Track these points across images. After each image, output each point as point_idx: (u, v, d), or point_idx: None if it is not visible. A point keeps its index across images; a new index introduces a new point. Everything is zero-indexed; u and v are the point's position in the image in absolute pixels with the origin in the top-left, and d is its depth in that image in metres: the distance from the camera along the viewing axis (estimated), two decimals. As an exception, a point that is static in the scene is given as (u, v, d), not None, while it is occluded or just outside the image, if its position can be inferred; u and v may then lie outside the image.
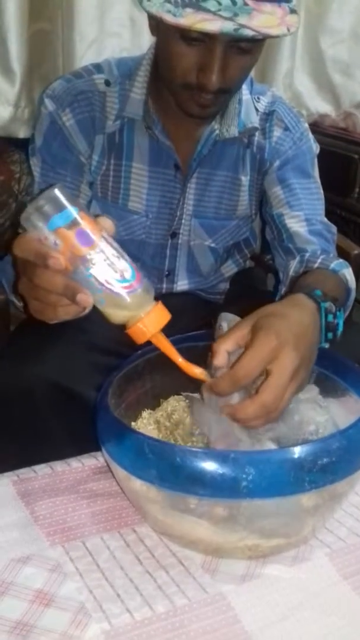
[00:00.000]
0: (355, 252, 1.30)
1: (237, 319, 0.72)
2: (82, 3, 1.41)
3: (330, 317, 0.78)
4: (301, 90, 1.91)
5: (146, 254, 1.13)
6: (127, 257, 0.60)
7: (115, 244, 0.60)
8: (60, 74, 1.41)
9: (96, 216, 0.60)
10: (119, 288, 0.59)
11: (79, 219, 0.57)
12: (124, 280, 0.59)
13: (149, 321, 0.62)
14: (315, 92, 1.94)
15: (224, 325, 0.71)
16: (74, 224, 0.56)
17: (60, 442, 0.90)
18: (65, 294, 0.57)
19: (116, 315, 0.61)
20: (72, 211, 0.56)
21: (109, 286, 0.58)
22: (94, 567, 0.64)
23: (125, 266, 0.59)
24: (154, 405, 0.83)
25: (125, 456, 0.63)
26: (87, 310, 0.60)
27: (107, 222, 0.60)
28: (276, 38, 0.87)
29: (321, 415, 0.74)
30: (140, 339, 0.63)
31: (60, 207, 0.56)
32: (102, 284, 0.58)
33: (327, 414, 0.75)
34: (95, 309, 0.61)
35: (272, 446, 0.68)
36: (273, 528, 0.63)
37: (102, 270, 0.58)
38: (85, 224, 0.57)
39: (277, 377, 0.64)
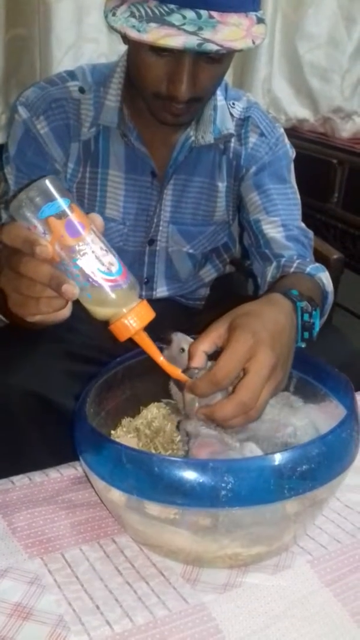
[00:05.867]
0: (335, 256, 1.31)
1: (189, 338, 0.72)
2: (59, 9, 1.41)
3: (306, 317, 0.79)
4: (280, 95, 1.93)
5: (124, 261, 1.11)
6: (114, 252, 0.60)
7: (104, 239, 0.60)
8: (38, 80, 1.40)
9: (87, 214, 0.60)
10: (105, 281, 0.59)
11: (68, 210, 0.57)
12: (110, 273, 0.59)
13: (132, 317, 0.62)
14: (293, 97, 1.96)
15: (186, 347, 0.71)
16: (64, 214, 0.57)
17: (39, 452, 0.89)
18: (50, 284, 0.57)
19: (100, 310, 0.61)
20: (62, 202, 0.57)
21: (95, 278, 0.58)
22: (73, 579, 0.63)
23: (112, 260, 0.60)
24: (134, 412, 0.82)
25: (103, 466, 0.62)
26: (67, 313, 0.59)
27: (97, 219, 0.61)
28: (240, 51, 0.87)
29: (300, 420, 0.74)
30: (123, 336, 0.62)
31: (51, 198, 0.57)
32: (88, 276, 0.58)
33: (306, 417, 0.75)
34: (75, 313, 0.60)
35: (254, 448, 0.67)
36: (253, 536, 0.62)
37: (90, 262, 0.58)
38: (75, 216, 0.57)
39: (253, 375, 0.64)
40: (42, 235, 0.57)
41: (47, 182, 0.57)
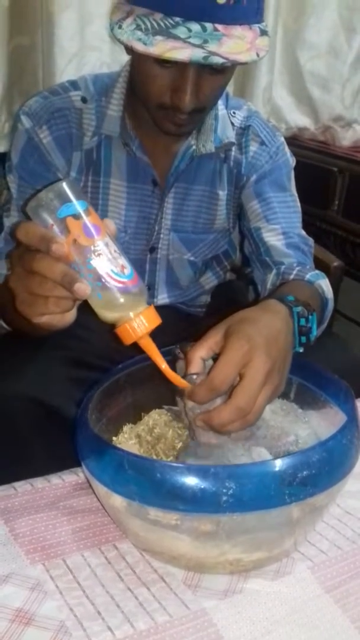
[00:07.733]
0: (335, 264, 1.31)
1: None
2: (62, 17, 1.42)
3: (302, 321, 0.79)
4: (280, 104, 1.93)
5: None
6: (126, 257, 0.62)
7: (117, 244, 0.61)
8: (41, 88, 1.41)
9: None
10: (117, 283, 0.60)
11: (86, 212, 0.59)
12: (122, 275, 0.60)
13: (139, 322, 0.62)
14: (294, 106, 1.97)
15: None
16: (81, 216, 0.58)
17: (40, 458, 0.89)
18: (62, 281, 0.57)
19: (109, 312, 0.62)
20: (80, 205, 0.59)
21: (108, 279, 0.59)
22: (75, 585, 0.63)
23: (125, 264, 0.61)
24: (136, 419, 0.83)
25: (105, 472, 0.62)
26: (72, 317, 0.60)
27: (110, 225, 0.62)
28: (245, 64, 0.87)
29: (303, 430, 0.74)
30: (130, 338, 0.63)
31: (69, 199, 0.58)
32: (101, 276, 0.59)
33: (309, 428, 0.75)
34: (78, 320, 0.61)
35: (263, 452, 0.68)
36: (254, 542, 0.63)
37: (104, 262, 0.59)
38: (91, 219, 0.59)
39: (249, 380, 0.65)
40: (58, 234, 0.58)
41: (66, 184, 0.58)
